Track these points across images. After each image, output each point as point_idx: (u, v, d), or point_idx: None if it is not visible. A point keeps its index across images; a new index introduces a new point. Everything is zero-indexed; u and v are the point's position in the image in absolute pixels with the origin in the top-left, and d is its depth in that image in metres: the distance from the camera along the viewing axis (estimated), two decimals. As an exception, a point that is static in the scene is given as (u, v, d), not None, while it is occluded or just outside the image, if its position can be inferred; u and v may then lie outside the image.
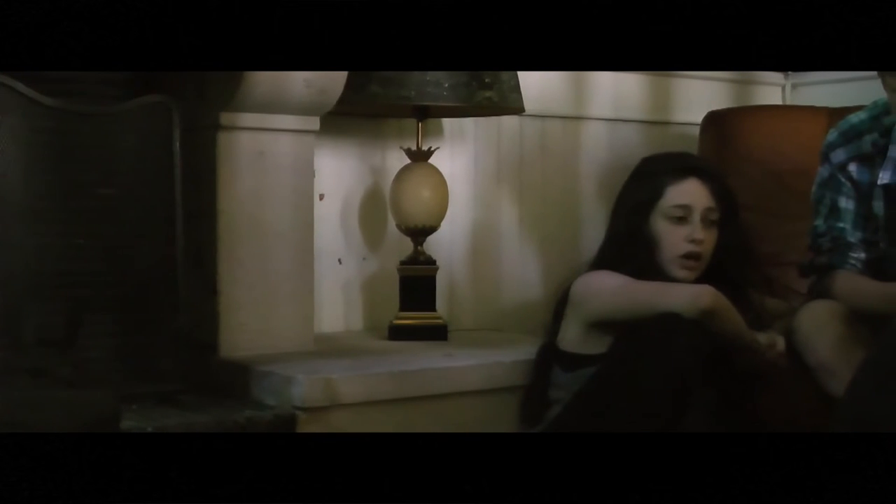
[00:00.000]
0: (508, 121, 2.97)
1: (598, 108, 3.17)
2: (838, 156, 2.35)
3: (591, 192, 3.12)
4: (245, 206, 2.34)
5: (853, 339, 2.15)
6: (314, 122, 2.41)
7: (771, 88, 3.54)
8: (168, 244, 2.18)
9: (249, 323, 2.35)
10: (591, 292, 2.29)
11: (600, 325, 2.25)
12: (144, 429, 1.94)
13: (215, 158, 2.31)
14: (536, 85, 2.88)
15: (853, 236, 2.33)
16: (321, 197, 2.71)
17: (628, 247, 2.33)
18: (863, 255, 2.32)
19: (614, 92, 3.20)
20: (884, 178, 2.27)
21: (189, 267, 2.22)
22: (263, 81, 2.27)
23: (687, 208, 2.32)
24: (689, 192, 2.33)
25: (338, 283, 2.79)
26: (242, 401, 2.19)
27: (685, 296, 2.15)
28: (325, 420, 2.13)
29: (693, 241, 2.31)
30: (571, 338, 2.30)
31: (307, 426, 2.11)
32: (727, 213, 2.37)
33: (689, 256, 2.31)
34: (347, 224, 2.81)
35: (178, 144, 2.17)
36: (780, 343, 2.25)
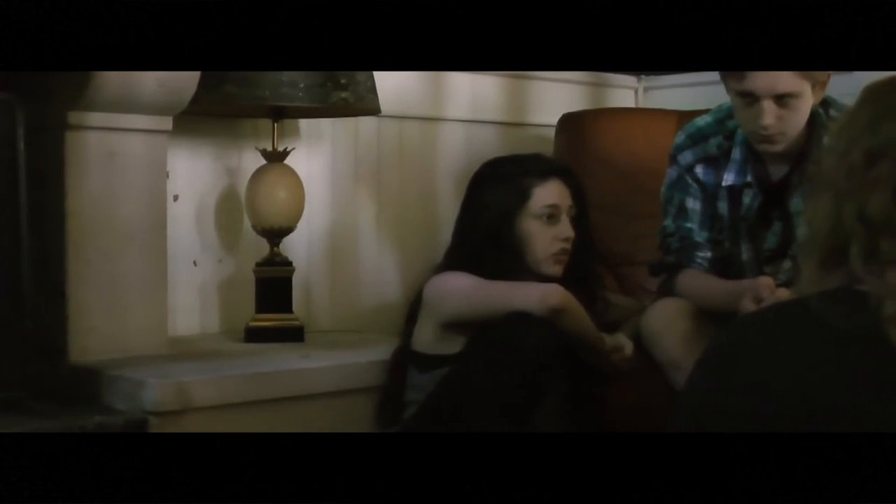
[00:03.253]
0: (366, 122, 2.97)
1: (456, 109, 3.19)
2: (685, 157, 2.41)
3: (448, 193, 3.12)
4: (95, 208, 2.29)
5: (700, 335, 2.21)
6: (167, 122, 2.38)
7: (624, 91, 3.61)
8: (12, 246, 2.11)
9: (100, 327, 2.30)
10: (442, 293, 2.30)
11: (454, 326, 2.26)
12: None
13: (63, 158, 2.26)
14: (393, 86, 2.88)
15: (700, 236, 2.39)
16: (175, 198, 2.66)
17: (493, 249, 2.34)
18: (709, 254, 2.39)
19: (471, 93, 3.22)
20: (728, 179, 2.34)
21: (35, 270, 2.16)
22: (113, 80, 2.22)
23: (556, 207, 2.36)
24: (556, 192, 2.37)
25: (193, 285, 2.75)
26: (93, 406, 2.14)
27: (535, 294, 2.18)
28: (177, 424, 2.10)
29: (565, 238, 2.35)
30: (425, 339, 2.31)
31: (159, 430, 2.07)
32: (581, 212, 2.42)
33: (560, 253, 2.36)
34: (202, 225, 2.77)
35: (22, 143, 2.10)
36: (627, 346, 2.30)
